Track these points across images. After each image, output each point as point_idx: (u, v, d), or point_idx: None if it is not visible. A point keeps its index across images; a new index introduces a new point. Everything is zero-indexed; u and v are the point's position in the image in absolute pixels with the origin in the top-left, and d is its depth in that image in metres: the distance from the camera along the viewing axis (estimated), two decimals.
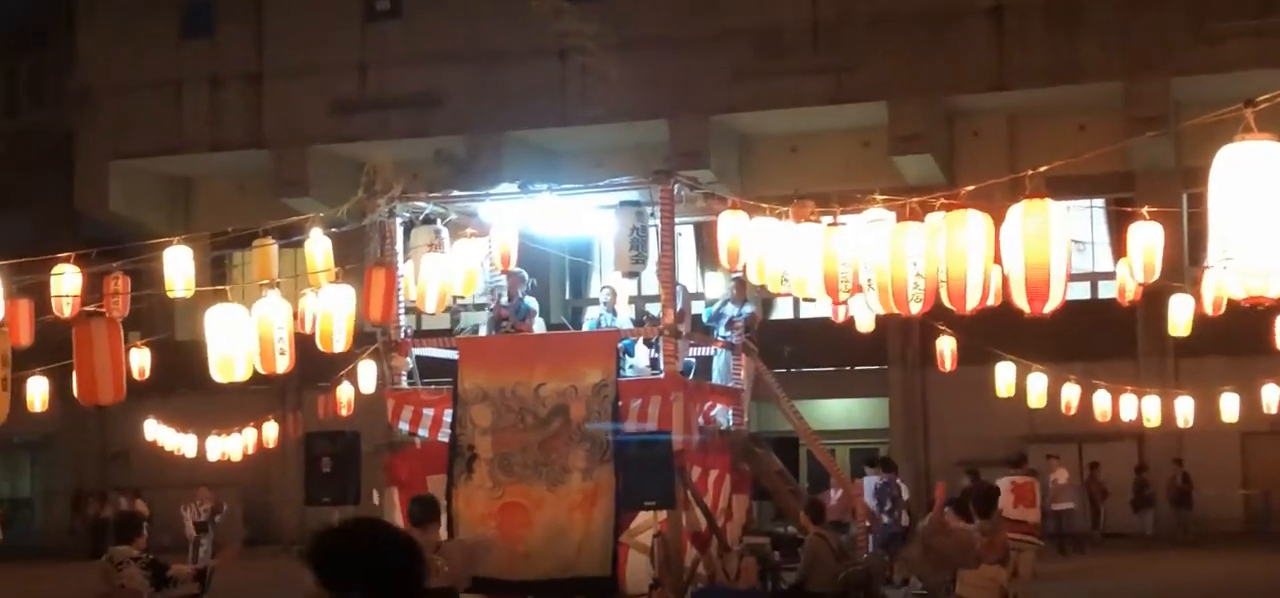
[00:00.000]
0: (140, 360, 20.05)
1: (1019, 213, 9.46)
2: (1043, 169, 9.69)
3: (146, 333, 21.65)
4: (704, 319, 19.70)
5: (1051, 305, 9.41)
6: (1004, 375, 21.40)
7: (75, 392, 12.21)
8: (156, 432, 27.01)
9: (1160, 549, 26.44)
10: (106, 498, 36.55)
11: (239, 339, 12.27)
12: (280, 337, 12.56)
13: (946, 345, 20.76)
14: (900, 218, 11.10)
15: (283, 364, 12.70)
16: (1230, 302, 16.12)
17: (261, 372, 12.82)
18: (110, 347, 11.86)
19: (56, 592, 24.90)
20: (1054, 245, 9.40)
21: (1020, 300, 9.47)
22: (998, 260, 10.09)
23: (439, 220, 17.68)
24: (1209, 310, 17.35)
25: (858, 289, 12.63)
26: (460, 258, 17.32)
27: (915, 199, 11.29)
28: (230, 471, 26.91)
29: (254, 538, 34.43)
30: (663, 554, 16.43)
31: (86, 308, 14.11)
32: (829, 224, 12.37)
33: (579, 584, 16.42)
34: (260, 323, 12.62)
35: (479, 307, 18.94)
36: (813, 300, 14.85)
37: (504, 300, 17.80)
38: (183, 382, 25.36)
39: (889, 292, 10.87)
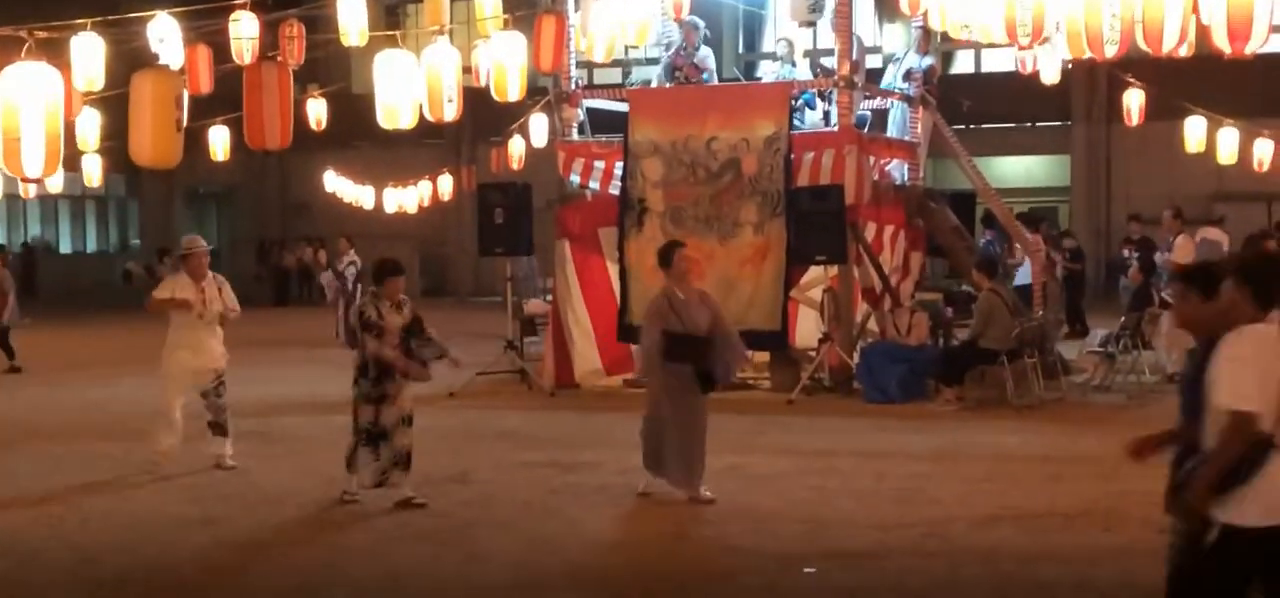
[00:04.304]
0: (318, 111, 20.23)
1: None
2: None
3: (324, 85, 21.81)
4: (888, 77, 19.07)
5: (1253, 46, 8.93)
6: (1193, 131, 20.41)
7: (244, 136, 12.37)
8: (335, 184, 27.43)
9: None
10: (288, 247, 37.62)
11: (407, 86, 12.21)
12: (449, 84, 12.45)
13: (1134, 99, 19.84)
14: None
15: (450, 112, 12.62)
16: None
17: (429, 119, 12.77)
18: (280, 92, 11.93)
19: (248, 335, 25.73)
20: None
21: (1220, 41, 8.97)
22: (1195, 10, 9.56)
23: None
24: None
25: (1042, 37, 12.11)
26: (631, 6, 16.98)
27: None
28: (406, 223, 27.30)
29: (430, 288, 35.16)
30: (833, 310, 16.31)
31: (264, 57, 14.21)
32: None
33: (749, 338, 16.35)
34: (429, 70, 12.54)
35: (652, 60, 18.63)
36: (996, 46, 14.28)
37: (681, 50, 17.46)
38: (359, 134, 25.61)
39: (1083, 34, 10.34)
